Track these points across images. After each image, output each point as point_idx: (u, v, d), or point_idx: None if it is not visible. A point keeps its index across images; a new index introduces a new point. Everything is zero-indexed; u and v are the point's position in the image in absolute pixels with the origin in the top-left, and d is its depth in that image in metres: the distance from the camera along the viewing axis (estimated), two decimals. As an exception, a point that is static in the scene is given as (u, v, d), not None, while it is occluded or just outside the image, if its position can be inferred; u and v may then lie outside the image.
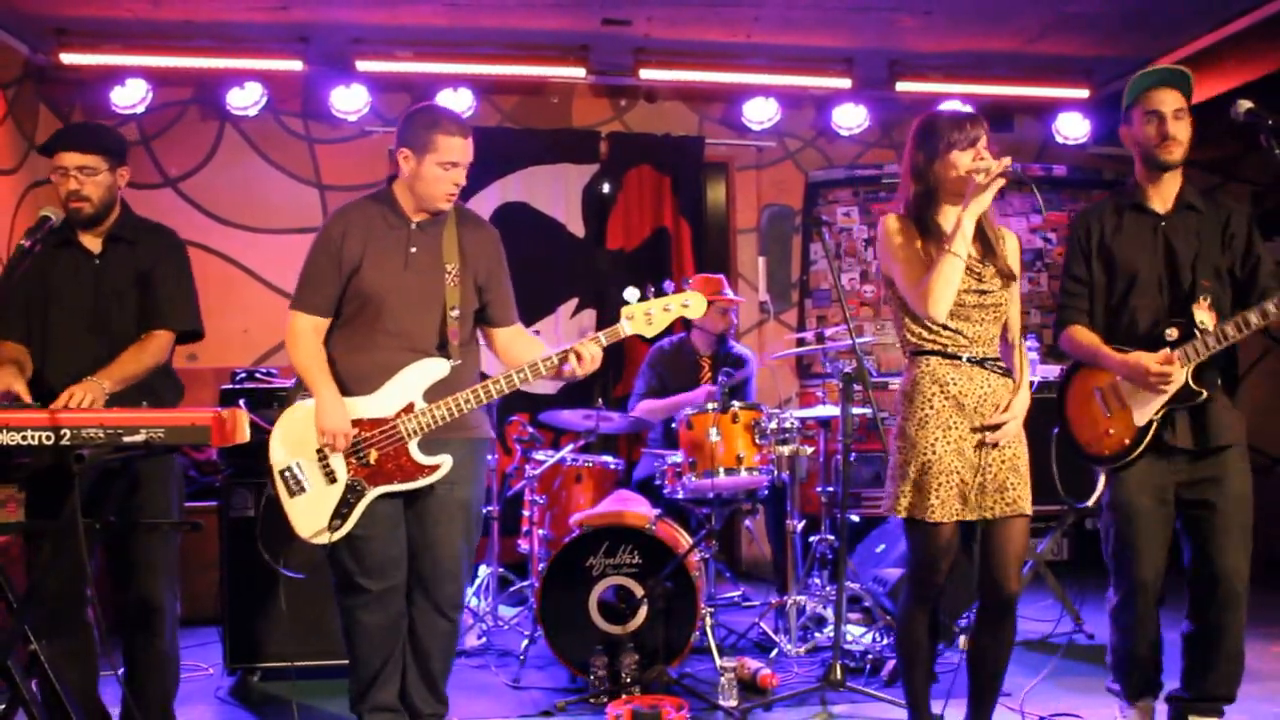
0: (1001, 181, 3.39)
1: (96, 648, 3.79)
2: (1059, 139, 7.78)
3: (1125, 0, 6.24)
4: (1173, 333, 3.73)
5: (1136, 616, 3.84)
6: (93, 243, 3.84)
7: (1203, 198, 3.87)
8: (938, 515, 3.47)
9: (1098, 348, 3.85)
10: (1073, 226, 4.03)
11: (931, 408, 3.52)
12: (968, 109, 3.66)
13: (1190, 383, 3.69)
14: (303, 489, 3.60)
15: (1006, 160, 3.38)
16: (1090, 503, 3.95)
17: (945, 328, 3.53)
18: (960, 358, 3.54)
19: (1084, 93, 7.53)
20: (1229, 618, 3.75)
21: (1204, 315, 3.71)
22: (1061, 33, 6.77)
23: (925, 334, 3.57)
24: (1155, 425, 3.76)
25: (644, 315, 3.63)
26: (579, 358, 3.58)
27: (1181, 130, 3.75)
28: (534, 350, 3.88)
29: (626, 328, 3.64)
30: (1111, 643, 3.98)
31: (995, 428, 3.51)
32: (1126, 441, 3.80)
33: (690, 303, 3.67)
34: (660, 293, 3.68)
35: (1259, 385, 7.40)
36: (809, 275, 7.86)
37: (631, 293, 3.67)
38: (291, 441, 3.64)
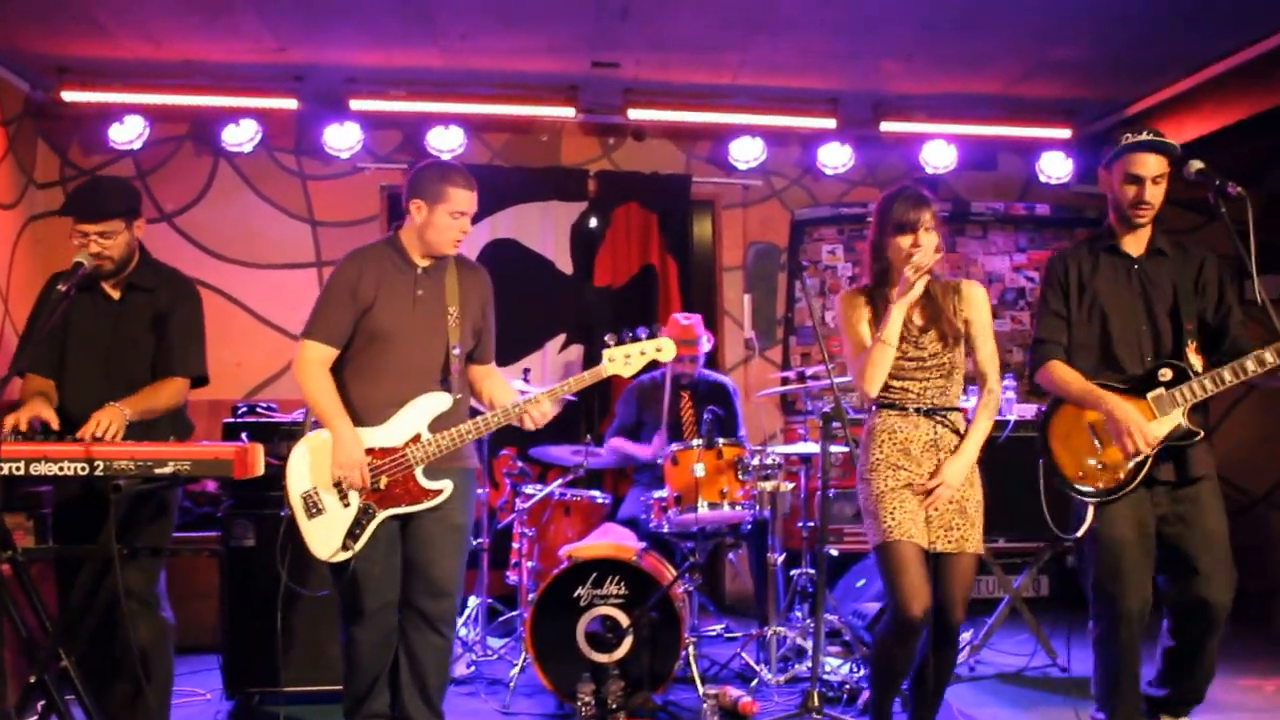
0: (926, 278, 4.02)
1: (135, 665, 4.16)
2: (1042, 178, 8.15)
3: (1104, 47, 6.67)
4: (1166, 374, 4.09)
5: (1123, 647, 4.15)
6: (113, 289, 4.29)
7: (1172, 245, 4.30)
8: (895, 534, 4.01)
9: (1088, 388, 4.18)
10: (1050, 265, 4.40)
11: (881, 452, 4.13)
12: (918, 191, 4.17)
13: (1187, 423, 4.08)
14: (320, 511, 4.06)
15: (930, 260, 4.02)
16: (1080, 534, 4.21)
17: (893, 386, 4.14)
18: (907, 409, 4.12)
19: (1066, 133, 7.93)
20: (1210, 641, 4.16)
21: (1194, 359, 4.13)
22: (1043, 76, 7.17)
23: (881, 392, 4.17)
24: (1150, 461, 4.09)
25: (623, 358, 4.20)
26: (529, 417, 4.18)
27: (1157, 196, 4.19)
28: (502, 388, 4.44)
29: (608, 369, 4.20)
30: (1096, 673, 4.32)
31: (932, 490, 4.07)
32: (1121, 476, 4.12)
33: (662, 348, 4.23)
34: (635, 338, 4.21)
35: (1239, 425, 7.79)
36: (794, 313, 8.24)
37: (611, 337, 4.23)
38: (311, 467, 4.10)
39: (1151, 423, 4.07)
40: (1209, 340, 4.23)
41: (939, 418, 4.15)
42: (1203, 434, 4.09)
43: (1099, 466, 4.18)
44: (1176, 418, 4.07)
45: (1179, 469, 4.16)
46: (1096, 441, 4.20)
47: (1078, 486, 4.21)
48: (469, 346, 4.34)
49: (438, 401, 4.15)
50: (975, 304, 4.18)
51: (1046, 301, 4.36)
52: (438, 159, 4.43)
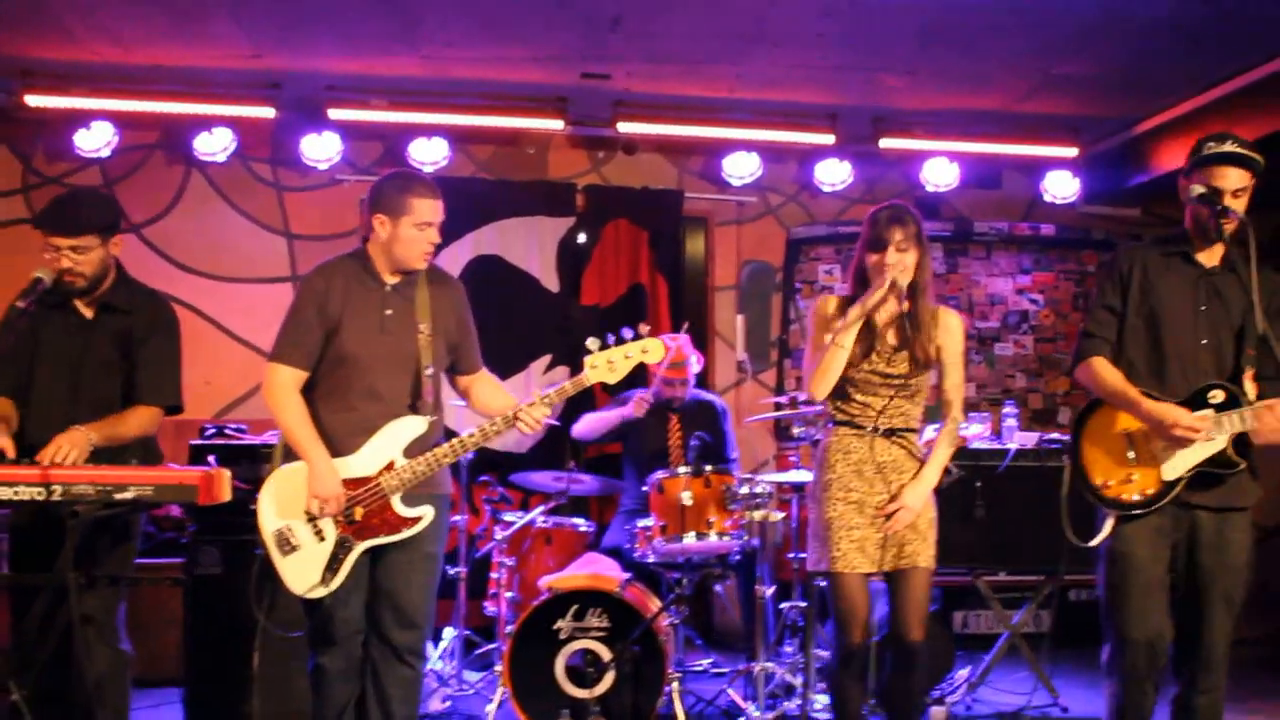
0: (883, 291, 3.98)
1: (89, 697, 4.05)
2: (1047, 197, 8.09)
3: (1111, 64, 6.65)
4: (1218, 395, 3.97)
5: (1123, 670, 4.08)
6: (86, 308, 4.19)
7: (1245, 264, 4.07)
8: (839, 566, 4.04)
9: (1125, 389, 4.07)
10: (1114, 259, 4.26)
11: (834, 473, 4.12)
12: (901, 209, 4.15)
13: (1230, 452, 3.97)
14: (295, 548, 3.94)
15: (904, 277, 4.03)
16: (1095, 543, 4.07)
17: (854, 401, 4.14)
18: (865, 428, 4.11)
19: (1072, 151, 7.87)
20: (1207, 680, 4.06)
21: (1249, 386, 4.00)
22: (1048, 93, 7.15)
23: (840, 405, 4.19)
24: (1184, 483, 3.99)
25: (606, 363, 4.07)
26: (520, 420, 4.05)
27: (1238, 210, 4.01)
28: (499, 395, 4.34)
29: (590, 376, 4.08)
30: (1106, 704, 4.23)
31: (892, 515, 4.05)
32: (1150, 492, 4.03)
33: (649, 349, 4.09)
34: (620, 341, 4.08)
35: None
36: (789, 334, 8.19)
37: (593, 342, 4.09)
38: (282, 503, 3.97)
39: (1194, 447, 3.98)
40: (1267, 370, 4.07)
41: (896, 439, 4.15)
42: (1245, 464, 3.99)
43: (1128, 479, 4.08)
44: (1221, 443, 3.96)
45: (1214, 497, 4.05)
46: (1131, 452, 4.09)
47: (1103, 495, 4.10)
48: (444, 364, 4.25)
49: (411, 426, 4.05)
50: (950, 332, 4.20)
51: (1103, 293, 4.23)
52: (398, 169, 4.31)
